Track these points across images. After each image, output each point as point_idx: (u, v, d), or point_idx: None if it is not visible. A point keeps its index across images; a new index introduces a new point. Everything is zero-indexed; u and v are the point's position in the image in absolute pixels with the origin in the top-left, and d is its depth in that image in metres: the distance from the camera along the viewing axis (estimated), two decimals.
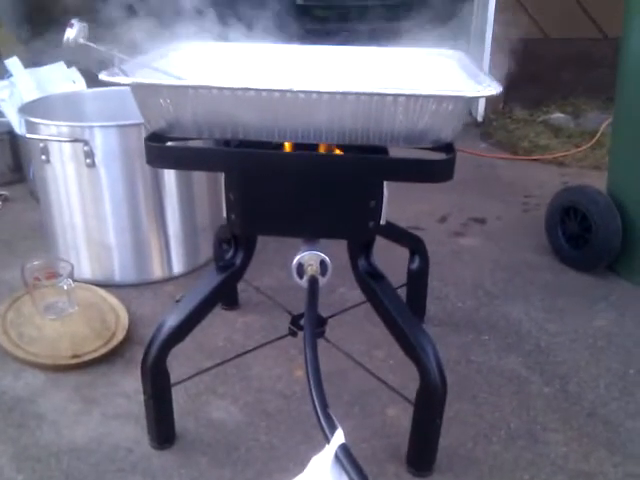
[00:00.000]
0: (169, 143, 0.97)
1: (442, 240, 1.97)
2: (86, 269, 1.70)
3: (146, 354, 1.07)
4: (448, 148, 0.92)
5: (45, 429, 1.20)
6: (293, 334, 1.27)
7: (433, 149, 0.93)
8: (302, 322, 1.29)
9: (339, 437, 0.70)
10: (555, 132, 2.95)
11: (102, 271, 1.71)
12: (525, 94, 3.16)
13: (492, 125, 3.13)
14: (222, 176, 1.04)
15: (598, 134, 2.84)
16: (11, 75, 2.20)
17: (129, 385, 1.32)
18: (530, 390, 1.30)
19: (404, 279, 1.46)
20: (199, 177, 1.75)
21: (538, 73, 3.19)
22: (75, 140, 1.51)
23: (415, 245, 1.43)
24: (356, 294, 1.53)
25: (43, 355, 1.37)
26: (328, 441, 0.71)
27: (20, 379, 1.34)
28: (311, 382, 0.76)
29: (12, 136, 2.36)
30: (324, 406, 0.73)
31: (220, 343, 1.47)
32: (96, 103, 1.88)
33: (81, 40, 0.91)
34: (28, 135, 1.56)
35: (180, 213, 1.73)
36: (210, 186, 1.80)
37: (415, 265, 1.44)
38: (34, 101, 1.78)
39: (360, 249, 1.06)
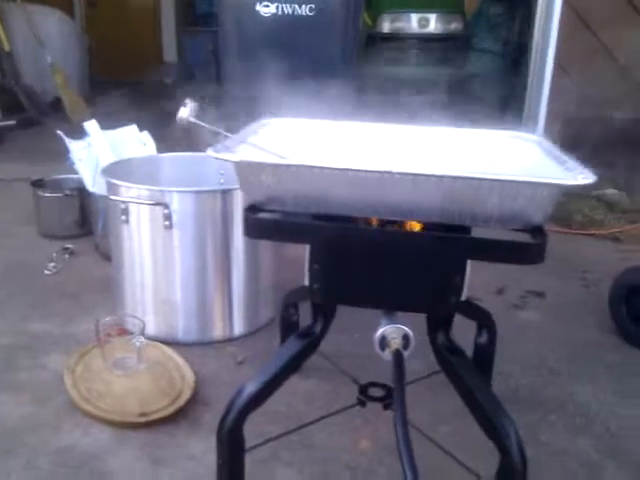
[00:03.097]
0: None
1: (501, 313, 1.95)
2: (150, 326, 1.73)
3: (223, 419, 1.08)
4: (539, 231, 0.94)
5: None
6: (362, 404, 1.27)
7: (522, 231, 0.95)
8: (370, 392, 1.30)
9: None
10: (609, 207, 2.94)
11: (166, 329, 1.75)
12: None
13: None
14: (300, 246, 1.08)
15: None
16: (88, 136, 2.33)
17: (195, 447, 1.33)
18: (604, 476, 1.26)
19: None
20: (265, 242, 1.80)
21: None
22: (157, 203, 1.58)
23: (483, 319, 1.43)
24: (416, 364, 1.54)
25: (112, 411, 1.40)
26: None
27: (88, 434, 1.36)
28: (405, 463, 0.76)
29: (81, 193, 2.48)
30: None
31: (282, 408, 1.47)
32: (169, 167, 1.98)
33: (192, 119, 0.98)
34: (111, 197, 1.64)
35: (245, 276, 1.77)
36: (274, 251, 1.85)
37: (483, 339, 1.43)
38: (114, 163, 1.88)
39: (440, 324, 1.08)
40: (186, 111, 0.96)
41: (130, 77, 5.35)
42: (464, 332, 1.45)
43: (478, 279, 2.11)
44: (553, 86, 3.08)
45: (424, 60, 4.01)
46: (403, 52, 4.02)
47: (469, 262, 1.04)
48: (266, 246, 1.82)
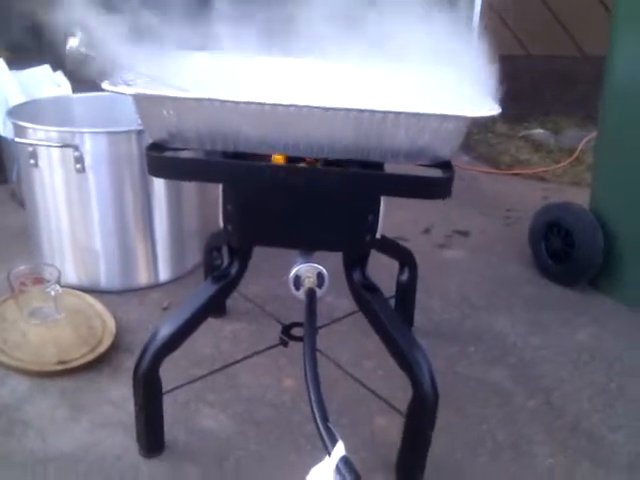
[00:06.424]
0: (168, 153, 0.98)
1: (427, 252, 1.99)
2: (71, 274, 1.68)
3: (138, 363, 1.07)
4: (446, 166, 0.94)
5: (31, 436, 1.18)
6: (284, 344, 1.28)
7: (431, 166, 0.95)
8: (293, 332, 1.31)
9: (340, 449, 0.71)
10: (535, 147, 3.01)
11: (88, 277, 1.70)
12: (506, 109, 3.23)
13: (474, 139, 3.18)
14: (219, 186, 1.04)
15: (577, 151, 2.91)
16: None
17: (116, 392, 1.31)
18: (515, 403, 1.32)
19: (390, 290, 1.48)
20: (188, 184, 1.75)
21: (519, 89, 3.25)
22: (65, 145, 1.50)
23: (405, 257, 1.45)
24: (343, 303, 1.56)
25: (28, 361, 1.36)
26: (329, 453, 0.72)
27: (5, 385, 1.32)
28: (312, 395, 0.77)
29: None
30: (325, 419, 0.74)
31: (208, 351, 1.46)
32: (84, 108, 1.87)
33: (83, 49, 0.91)
34: (17, 139, 1.54)
35: (168, 219, 1.72)
36: (198, 193, 1.81)
37: (405, 277, 1.46)
38: (22, 104, 1.76)
39: (355, 262, 1.08)
40: (76, 41, 0.89)
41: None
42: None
43: (406, 220, 2.17)
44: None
45: None
46: None
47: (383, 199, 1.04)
48: (190, 189, 1.77)
